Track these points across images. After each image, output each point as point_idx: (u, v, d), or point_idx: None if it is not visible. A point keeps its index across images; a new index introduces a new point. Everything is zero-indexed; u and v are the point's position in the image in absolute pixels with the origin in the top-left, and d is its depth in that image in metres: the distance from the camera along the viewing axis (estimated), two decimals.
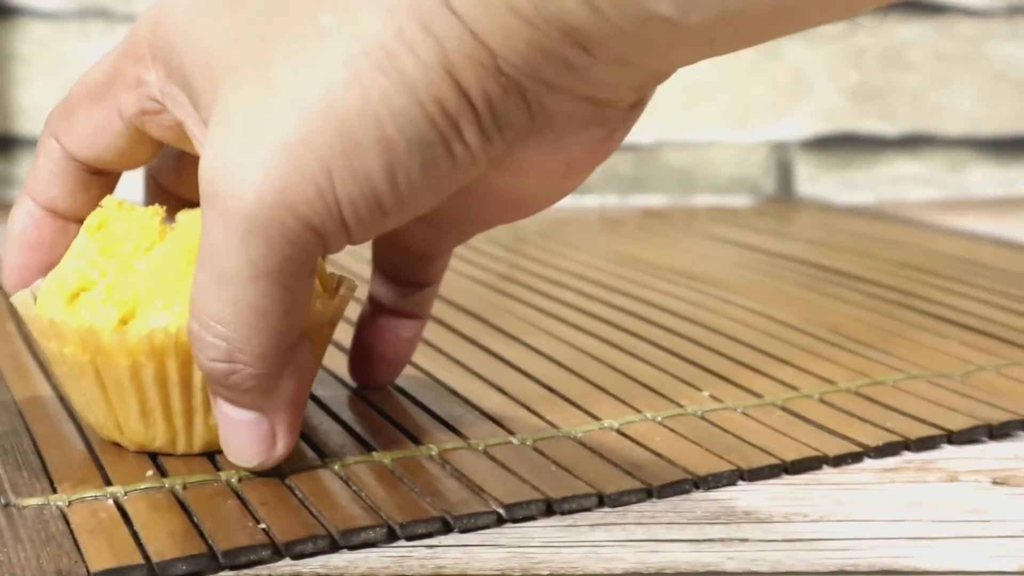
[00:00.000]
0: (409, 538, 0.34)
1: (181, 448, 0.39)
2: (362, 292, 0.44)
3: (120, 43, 0.38)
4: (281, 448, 0.36)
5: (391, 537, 0.34)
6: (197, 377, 0.37)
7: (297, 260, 0.33)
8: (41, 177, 0.40)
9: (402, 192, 0.33)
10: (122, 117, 0.38)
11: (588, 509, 0.36)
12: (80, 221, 0.40)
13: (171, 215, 0.40)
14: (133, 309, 0.37)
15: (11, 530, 0.34)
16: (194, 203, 0.41)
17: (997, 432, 0.42)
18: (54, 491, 0.36)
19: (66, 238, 0.40)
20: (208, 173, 0.33)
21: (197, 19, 0.35)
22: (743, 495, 0.37)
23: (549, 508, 0.36)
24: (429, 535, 0.35)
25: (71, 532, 0.34)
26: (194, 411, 0.38)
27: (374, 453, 0.39)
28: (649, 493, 0.37)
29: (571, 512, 0.36)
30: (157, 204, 0.40)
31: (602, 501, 0.36)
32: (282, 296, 0.33)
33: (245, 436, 0.36)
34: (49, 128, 0.40)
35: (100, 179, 0.40)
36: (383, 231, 0.34)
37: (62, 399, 0.44)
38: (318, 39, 0.32)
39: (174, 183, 0.42)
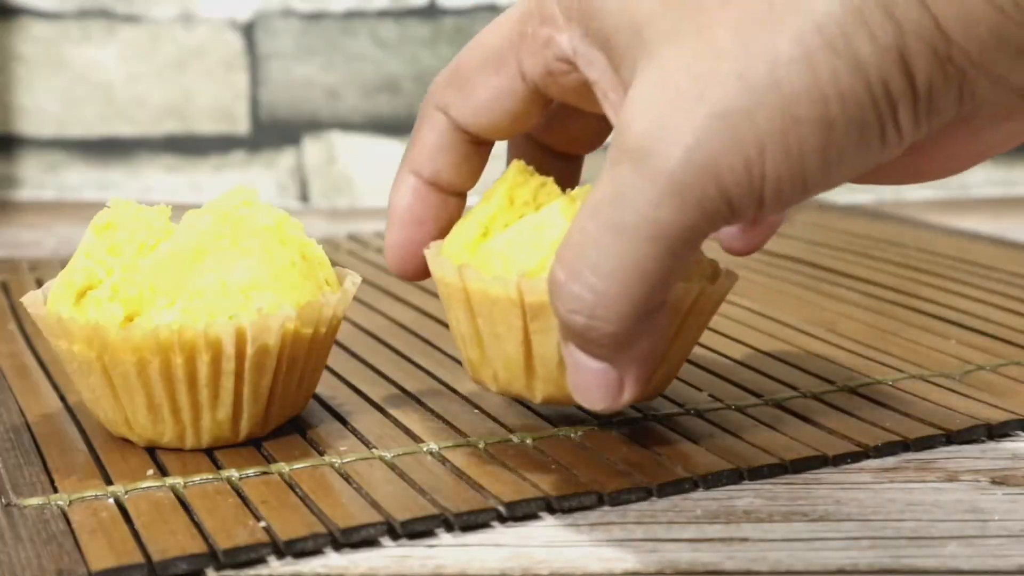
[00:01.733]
0: (409, 535, 0.34)
1: (190, 443, 0.39)
2: (362, 291, 0.43)
3: (515, 8, 0.38)
4: (627, 397, 0.35)
5: (391, 534, 0.34)
6: (202, 373, 0.38)
7: (700, 230, 0.32)
8: (426, 150, 0.40)
9: (830, 172, 0.32)
10: (525, 79, 0.38)
11: (588, 508, 0.36)
12: (460, 195, 0.40)
13: (541, 166, 0.40)
14: (138, 306, 0.38)
15: (12, 530, 0.34)
16: (560, 154, 0.42)
17: (996, 432, 0.42)
18: (55, 490, 0.36)
19: (447, 213, 0.40)
20: (639, 127, 0.32)
21: None
22: (743, 495, 0.37)
23: (549, 506, 0.36)
24: (429, 532, 0.35)
25: (72, 531, 0.34)
26: (200, 406, 0.38)
27: (374, 451, 0.39)
28: (649, 492, 0.37)
29: (571, 511, 0.36)
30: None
31: (602, 500, 0.37)
32: (669, 262, 0.32)
33: (592, 381, 0.34)
34: (435, 101, 0.39)
35: (480, 150, 0.40)
36: (787, 208, 0.33)
37: (63, 398, 0.44)
38: (769, 11, 0.31)
39: (544, 133, 0.42)
